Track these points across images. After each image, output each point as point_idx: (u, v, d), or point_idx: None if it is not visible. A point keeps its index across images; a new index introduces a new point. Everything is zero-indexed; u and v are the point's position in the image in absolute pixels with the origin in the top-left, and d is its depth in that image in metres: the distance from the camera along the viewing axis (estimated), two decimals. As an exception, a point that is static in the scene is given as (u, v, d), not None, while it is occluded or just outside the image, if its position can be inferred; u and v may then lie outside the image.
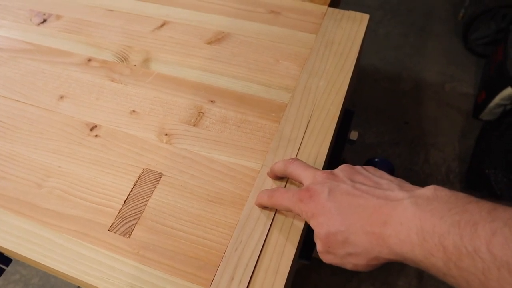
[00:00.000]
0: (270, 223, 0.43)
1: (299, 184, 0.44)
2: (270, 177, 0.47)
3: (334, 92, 0.53)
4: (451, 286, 0.30)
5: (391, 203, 0.33)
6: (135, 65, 0.60)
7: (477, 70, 1.49)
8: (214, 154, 0.49)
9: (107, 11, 0.68)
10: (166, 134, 0.52)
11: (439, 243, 0.29)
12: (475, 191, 1.13)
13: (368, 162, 0.57)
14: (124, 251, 0.43)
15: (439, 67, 1.51)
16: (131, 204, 0.46)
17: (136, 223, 0.45)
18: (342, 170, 0.40)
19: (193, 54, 0.60)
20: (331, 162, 0.55)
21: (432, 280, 1.05)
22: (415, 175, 1.25)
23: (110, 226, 0.45)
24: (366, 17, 0.61)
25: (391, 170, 0.56)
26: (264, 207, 0.45)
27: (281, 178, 0.46)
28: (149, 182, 0.48)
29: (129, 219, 0.45)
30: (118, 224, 0.45)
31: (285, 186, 0.46)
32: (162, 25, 0.64)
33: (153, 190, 0.47)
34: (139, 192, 0.47)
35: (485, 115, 1.32)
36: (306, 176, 0.41)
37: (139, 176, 0.48)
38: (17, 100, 0.57)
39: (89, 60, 0.61)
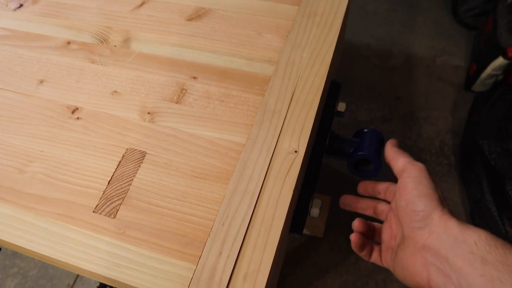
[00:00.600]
0: (257, 197, 0.43)
1: None
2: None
3: (318, 63, 0.52)
4: None
5: None
6: (115, 46, 0.58)
7: (467, 42, 1.48)
8: (198, 130, 0.48)
9: (85, -8, 0.66)
10: (148, 113, 0.51)
11: None
12: (469, 163, 1.12)
13: (357, 132, 0.56)
14: (110, 231, 0.43)
15: (430, 41, 1.50)
16: (115, 184, 0.46)
17: (121, 203, 0.44)
18: None
19: (174, 32, 0.59)
20: (320, 135, 0.55)
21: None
22: (409, 150, 1.24)
23: (95, 208, 0.44)
24: (349, -14, 0.60)
25: (381, 140, 0.55)
26: None
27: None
28: (133, 162, 0.47)
29: (114, 200, 0.44)
30: (103, 205, 0.44)
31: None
32: (141, 4, 0.63)
33: (137, 169, 0.46)
34: (123, 172, 0.46)
35: (477, 86, 1.31)
36: None
37: (123, 156, 0.47)
38: (-5, 87, 0.56)
39: (68, 43, 0.60)
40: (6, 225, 0.44)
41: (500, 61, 1.22)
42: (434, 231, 0.37)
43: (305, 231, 0.94)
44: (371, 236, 0.48)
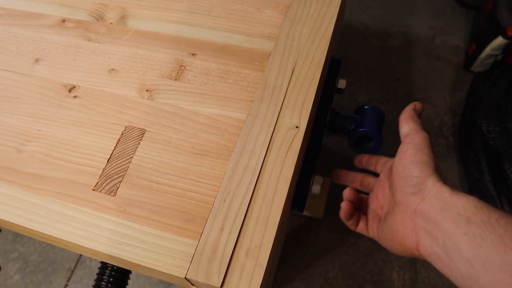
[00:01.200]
0: (258, 172, 0.42)
1: None
2: None
3: (318, 38, 0.51)
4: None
5: None
6: (111, 23, 0.57)
7: (466, 22, 1.47)
8: (198, 107, 0.48)
9: (79, -30, 0.65)
10: (147, 90, 0.50)
11: None
12: (467, 143, 1.12)
13: (358, 109, 0.55)
14: (110, 209, 0.42)
15: (428, 21, 1.48)
16: (114, 162, 0.45)
17: (121, 180, 0.44)
18: None
19: (171, 8, 0.57)
20: (320, 111, 0.54)
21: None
22: (407, 131, 1.24)
23: (95, 186, 0.44)
24: (349, -40, 0.58)
25: (382, 117, 0.54)
26: None
27: None
28: (132, 139, 0.46)
29: (114, 177, 0.44)
30: (103, 183, 0.44)
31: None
32: (137, -19, 0.61)
33: (137, 146, 0.46)
34: (123, 150, 0.46)
35: (476, 66, 1.30)
36: None
37: (122, 134, 0.47)
38: (-10, 66, 0.55)
39: (63, 21, 0.58)
40: (5, 205, 0.44)
41: (499, 40, 1.21)
42: (426, 197, 0.37)
43: (305, 213, 0.94)
44: (359, 207, 0.50)
